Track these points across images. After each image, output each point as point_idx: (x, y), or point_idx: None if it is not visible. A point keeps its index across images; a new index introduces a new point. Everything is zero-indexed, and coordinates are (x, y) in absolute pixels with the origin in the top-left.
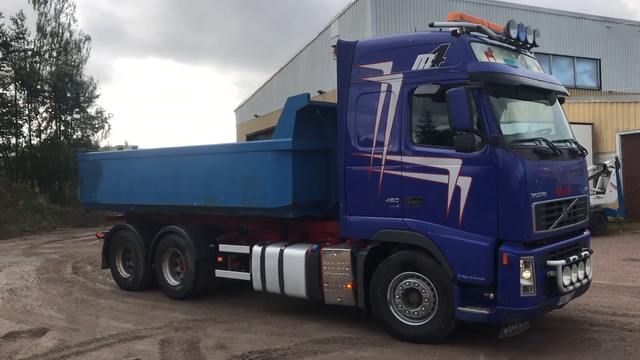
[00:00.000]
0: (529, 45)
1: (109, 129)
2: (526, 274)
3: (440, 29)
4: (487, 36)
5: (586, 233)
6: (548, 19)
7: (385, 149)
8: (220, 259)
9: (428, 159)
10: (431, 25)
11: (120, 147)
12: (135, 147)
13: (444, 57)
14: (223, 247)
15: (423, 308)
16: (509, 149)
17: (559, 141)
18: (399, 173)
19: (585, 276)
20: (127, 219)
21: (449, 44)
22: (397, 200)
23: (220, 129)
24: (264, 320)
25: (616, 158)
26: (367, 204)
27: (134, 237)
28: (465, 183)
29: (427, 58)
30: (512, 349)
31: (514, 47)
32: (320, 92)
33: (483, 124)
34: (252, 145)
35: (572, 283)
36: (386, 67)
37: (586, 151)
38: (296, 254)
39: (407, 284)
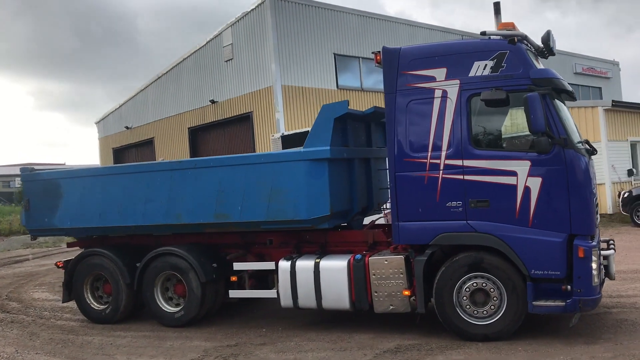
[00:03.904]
0: (551, 54)
1: None
2: (595, 264)
3: (490, 37)
4: (529, 45)
5: None
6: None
7: (443, 153)
8: (234, 278)
9: (493, 161)
10: (483, 33)
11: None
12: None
13: (504, 64)
14: (239, 266)
15: (492, 306)
16: (576, 149)
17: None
18: (460, 177)
19: None
20: (97, 243)
21: (507, 51)
22: (459, 203)
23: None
24: (305, 337)
25: None
26: (423, 209)
27: (110, 264)
28: (535, 183)
29: (485, 65)
30: (581, 335)
31: (537, 54)
32: (213, 102)
33: (551, 127)
34: (279, 156)
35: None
36: (439, 73)
37: (595, 150)
38: (336, 265)
39: (475, 284)
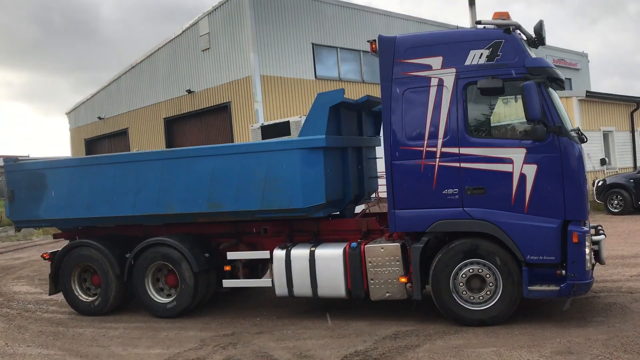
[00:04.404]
0: (542, 44)
1: None
2: (588, 249)
3: (485, 27)
4: (522, 34)
5: None
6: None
7: (439, 141)
8: (227, 267)
9: (489, 149)
10: (478, 22)
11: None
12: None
13: (499, 53)
14: (233, 255)
15: (488, 292)
16: (570, 137)
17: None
18: (456, 164)
19: None
20: (83, 235)
21: (502, 40)
22: (456, 191)
23: None
24: (301, 325)
25: None
26: (420, 197)
27: (99, 255)
28: (530, 170)
29: (482, 54)
30: (573, 318)
31: (529, 44)
32: (190, 92)
33: (546, 115)
34: (273, 144)
35: None
36: (435, 62)
37: (586, 138)
38: (332, 253)
39: (471, 270)
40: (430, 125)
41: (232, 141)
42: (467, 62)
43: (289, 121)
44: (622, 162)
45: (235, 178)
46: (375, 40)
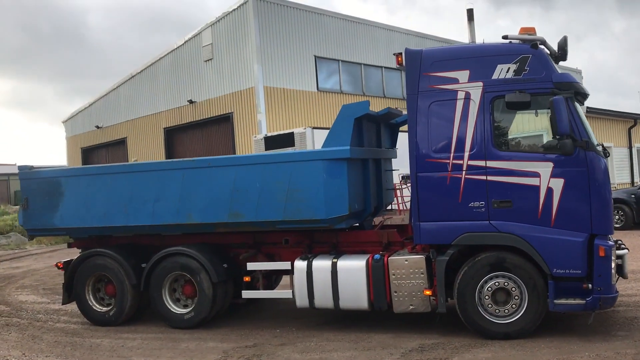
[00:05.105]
0: (563, 60)
1: None
2: (613, 263)
3: (510, 42)
4: (547, 49)
5: None
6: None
7: (466, 154)
8: (247, 278)
9: (516, 162)
10: (505, 37)
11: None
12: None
13: (527, 68)
14: (253, 266)
15: (513, 305)
16: (597, 151)
17: None
18: (483, 177)
19: None
20: (98, 243)
21: (529, 55)
22: (482, 203)
23: None
24: (322, 337)
25: None
26: (445, 210)
27: (115, 264)
28: (557, 184)
29: (509, 68)
30: (596, 332)
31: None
32: (191, 102)
33: (574, 129)
34: (297, 155)
35: None
36: (462, 75)
37: (609, 153)
38: (355, 265)
39: (497, 284)
40: (457, 138)
41: (234, 152)
42: (494, 76)
43: (293, 132)
44: (620, 178)
45: (257, 188)
46: (401, 53)
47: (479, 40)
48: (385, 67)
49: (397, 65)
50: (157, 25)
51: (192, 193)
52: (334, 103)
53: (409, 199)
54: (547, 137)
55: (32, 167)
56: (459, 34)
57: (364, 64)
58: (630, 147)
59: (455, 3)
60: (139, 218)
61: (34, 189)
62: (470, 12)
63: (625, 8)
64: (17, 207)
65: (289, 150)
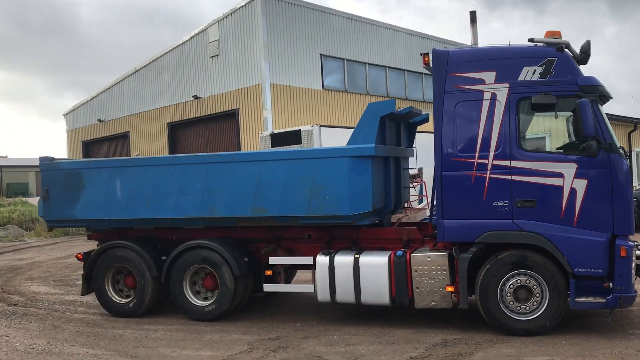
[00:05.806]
0: (585, 63)
1: None
2: (634, 263)
3: (536, 44)
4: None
5: None
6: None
7: (491, 154)
8: (269, 272)
9: (540, 163)
10: (531, 40)
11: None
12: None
13: (552, 70)
14: (275, 260)
15: (535, 302)
16: (620, 154)
17: None
18: (507, 177)
19: None
20: (117, 236)
21: (555, 58)
22: (506, 202)
23: None
24: (344, 331)
25: None
26: (469, 208)
27: (136, 257)
28: (581, 185)
29: (535, 70)
30: (614, 330)
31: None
32: (196, 97)
33: (598, 132)
34: (321, 152)
35: None
36: (489, 76)
37: (629, 155)
38: (377, 261)
39: (519, 281)
40: (482, 138)
41: (239, 148)
42: (520, 78)
43: (300, 130)
44: None
45: (281, 184)
46: (427, 54)
47: (486, 42)
48: (389, 67)
49: (424, 66)
50: (148, 20)
51: (215, 187)
52: (339, 101)
53: (414, 198)
54: (571, 139)
55: (53, 159)
56: (453, 35)
57: (369, 63)
58: (630, 152)
59: (448, 4)
60: (161, 211)
61: (55, 181)
62: (473, 14)
63: (617, 13)
64: (11, 199)
65: (295, 147)
